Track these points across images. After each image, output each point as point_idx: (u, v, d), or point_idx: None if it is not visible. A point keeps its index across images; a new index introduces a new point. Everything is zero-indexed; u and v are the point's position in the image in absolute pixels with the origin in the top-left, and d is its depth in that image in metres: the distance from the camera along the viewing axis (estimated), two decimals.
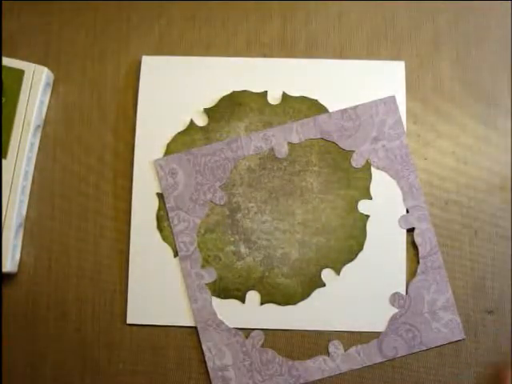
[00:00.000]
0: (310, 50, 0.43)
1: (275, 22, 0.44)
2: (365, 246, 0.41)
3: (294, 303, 0.40)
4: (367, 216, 0.41)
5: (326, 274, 0.40)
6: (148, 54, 0.43)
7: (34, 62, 0.41)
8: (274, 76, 0.42)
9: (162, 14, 0.44)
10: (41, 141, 0.42)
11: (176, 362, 0.40)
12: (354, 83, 0.42)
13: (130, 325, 0.40)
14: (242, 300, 0.40)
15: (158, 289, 0.40)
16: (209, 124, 0.42)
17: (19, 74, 0.41)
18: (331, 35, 0.43)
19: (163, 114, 0.42)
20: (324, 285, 0.40)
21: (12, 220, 0.40)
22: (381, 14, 0.44)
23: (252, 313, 0.40)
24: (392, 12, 0.44)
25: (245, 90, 0.42)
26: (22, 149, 0.40)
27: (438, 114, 0.42)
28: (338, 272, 0.40)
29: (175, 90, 0.42)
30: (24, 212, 0.41)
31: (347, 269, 0.40)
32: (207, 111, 0.42)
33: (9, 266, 0.40)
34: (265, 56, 0.43)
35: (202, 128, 0.42)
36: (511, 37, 0.43)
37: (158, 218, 0.41)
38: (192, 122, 0.42)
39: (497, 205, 0.41)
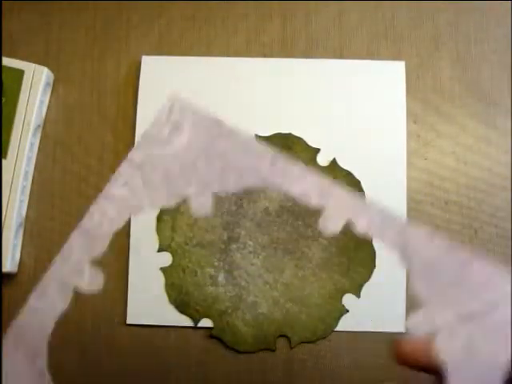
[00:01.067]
0: (310, 50, 0.43)
1: (275, 22, 0.44)
2: (330, 337, 0.39)
3: (239, 351, 0.39)
4: (347, 311, 0.39)
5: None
6: (148, 54, 0.43)
7: (34, 62, 0.41)
8: (274, 76, 0.42)
9: (162, 14, 0.44)
10: (41, 141, 0.42)
11: (176, 361, 0.40)
12: (354, 83, 0.42)
13: (129, 325, 0.40)
14: (195, 322, 0.40)
15: (158, 289, 0.40)
16: None
17: (19, 74, 0.41)
18: (331, 35, 0.43)
19: None
20: (274, 350, 0.39)
21: (12, 220, 0.40)
22: (381, 13, 0.44)
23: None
24: (392, 12, 0.44)
25: None
26: (21, 149, 0.40)
27: (438, 114, 0.42)
28: (292, 345, 0.39)
29: (175, 90, 0.42)
30: (24, 212, 0.41)
31: (301, 347, 0.39)
32: None
33: (9, 266, 0.39)
34: (265, 56, 0.43)
35: None
36: (511, 37, 0.43)
37: (158, 219, 0.41)
38: None
39: (497, 205, 0.41)
